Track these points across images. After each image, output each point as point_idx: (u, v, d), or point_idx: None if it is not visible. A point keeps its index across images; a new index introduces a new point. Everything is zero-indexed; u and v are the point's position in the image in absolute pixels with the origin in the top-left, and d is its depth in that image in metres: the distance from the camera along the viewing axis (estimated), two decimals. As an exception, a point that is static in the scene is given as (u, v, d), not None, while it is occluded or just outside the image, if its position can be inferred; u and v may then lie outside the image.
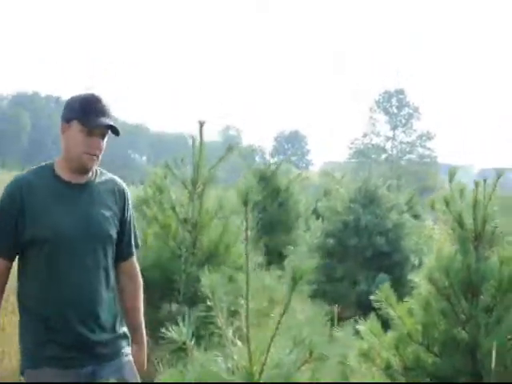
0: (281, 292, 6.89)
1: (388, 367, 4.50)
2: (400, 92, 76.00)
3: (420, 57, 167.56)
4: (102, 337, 3.37)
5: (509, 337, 4.29)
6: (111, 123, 3.32)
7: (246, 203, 2.63)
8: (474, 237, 4.51)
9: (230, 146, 7.17)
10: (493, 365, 3.94)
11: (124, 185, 3.61)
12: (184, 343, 2.65)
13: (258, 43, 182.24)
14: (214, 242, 6.64)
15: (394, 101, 76.15)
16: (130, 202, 3.57)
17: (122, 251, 3.59)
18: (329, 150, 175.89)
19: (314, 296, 10.63)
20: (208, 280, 2.57)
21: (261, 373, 2.52)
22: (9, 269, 3.36)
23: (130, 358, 3.54)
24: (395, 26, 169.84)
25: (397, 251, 10.12)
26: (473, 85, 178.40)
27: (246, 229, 2.57)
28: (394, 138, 75.29)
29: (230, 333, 2.62)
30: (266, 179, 14.07)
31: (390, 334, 4.52)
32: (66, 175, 3.34)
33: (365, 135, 75.03)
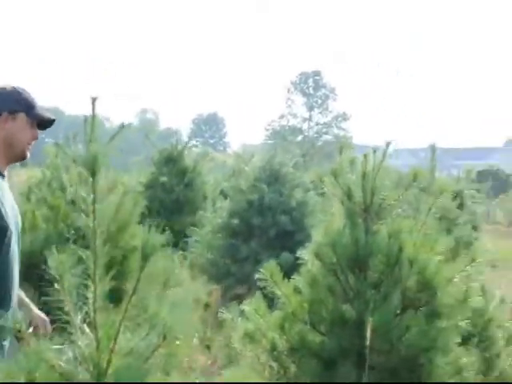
0: (176, 275, 6.67)
1: (273, 348, 4.29)
2: (316, 73, 76.49)
3: (338, 38, 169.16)
4: None
5: (396, 313, 4.13)
6: (54, 117, 3.54)
7: (93, 173, 2.40)
8: (363, 209, 4.33)
9: (123, 124, 6.87)
10: (367, 342, 3.77)
11: None
12: (19, 331, 2.39)
13: (174, 25, 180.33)
14: (107, 223, 6.35)
15: (310, 82, 76.60)
16: None
17: None
18: (247, 132, 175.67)
19: (219, 277, 10.47)
20: (54, 261, 2.36)
21: (109, 361, 2.27)
22: None
23: None
24: (315, 9, 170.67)
25: (301, 230, 9.98)
26: (389, 64, 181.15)
27: (94, 202, 2.36)
28: (310, 119, 75.78)
29: (78, 319, 2.36)
30: (173, 160, 13.78)
31: (276, 314, 4.31)
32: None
33: (281, 116, 75.33)
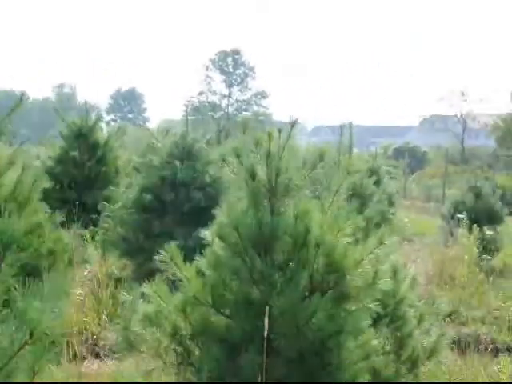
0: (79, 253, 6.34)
1: (175, 332, 4.12)
2: (236, 52, 76.42)
3: (261, 17, 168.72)
4: None
5: (302, 296, 4.01)
6: None
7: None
8: (268, 190, 4.18)
9: (22, 94, 6.53)
10: (266, 327, 3.64)
11: None
12: None
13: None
14: (4, 199, 6.10)
15: (229, 60, 76.50)
16: None
17: None
18: (166, 107, 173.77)
19: (131, 253, 10.21)
20: None
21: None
22: None
23: None
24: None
25: (215, 206, 9.77)
26: (311, 42, 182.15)
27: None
28: (229, 96, 75.71)
29: None
30: (83, 134, 13.41)
31: (177, 297, 4.13)
32: None
33: (201, 93, 75.06)
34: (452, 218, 13.75)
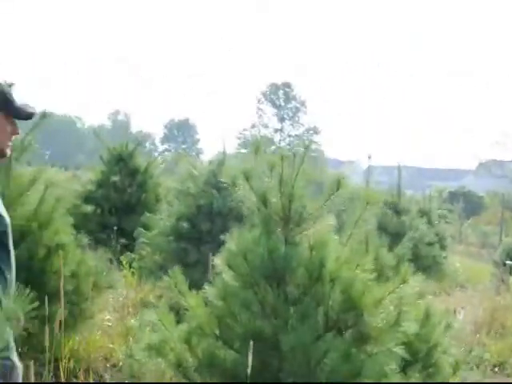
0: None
1: (179, 364, 3.88)
2: (286, 85, 76.72)
3: (310, 49, 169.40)
4: None
5: (316, 334, 3.73)
6: (35, 111, 3.25)
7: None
8: (281, 218, 3.93)
9: (44, 113, 6.47)
10: (249, 363, 3.35)
11: None
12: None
13: (144, 27, 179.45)
14: (26, 218, 5.97)
15: (280, 93, 76.75)
16: None
17: None
18: (219, 140, 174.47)
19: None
20: None
21: None
22: None
23: None
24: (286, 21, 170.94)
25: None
26: (364, 80, 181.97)
27: None
28: (281, 130, 75.88)
29: None
30: (123, 159, 13.36)
31: (182, 327, 3.89)
32: None
33: (253, 126, 75.38)
34: (504, 264, 13.25)
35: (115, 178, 13.15)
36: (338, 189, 3.97)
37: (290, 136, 76.13)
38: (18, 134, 3.26)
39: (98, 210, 13.07)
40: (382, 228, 15.56)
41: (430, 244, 16.72)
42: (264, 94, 77.46)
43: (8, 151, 3.24)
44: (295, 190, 3.91)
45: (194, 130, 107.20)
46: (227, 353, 3.85)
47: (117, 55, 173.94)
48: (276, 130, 76.17)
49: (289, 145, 75.81)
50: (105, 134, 13.75)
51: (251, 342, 3.58)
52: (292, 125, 76.71)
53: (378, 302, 3.76)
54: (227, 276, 3.94)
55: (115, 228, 11.12)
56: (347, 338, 3.80)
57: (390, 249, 5.26)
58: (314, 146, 73.38)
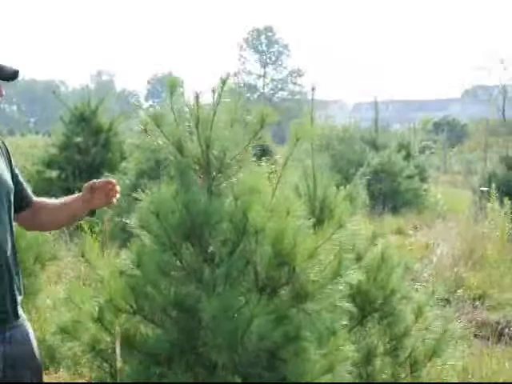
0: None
1: (94, 346, 3.37)
2: (269, 29, 75.32)
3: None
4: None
5: (242, 297, 3.20)
6: (17, 69, 2.94)
7: None
8: (200, 166, 3.38)
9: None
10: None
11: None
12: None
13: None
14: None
15: (262, 38, 75.46)
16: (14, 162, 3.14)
17: (26, 200, 3.16)
18: (203, 90, 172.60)
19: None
20: None
21: None
22: None
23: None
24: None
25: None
26: (346, 19, 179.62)
27: None
28: (265, 76, 74.81)
29: None
30: (86, 119, 12.75)
31: (94, 303, 3.36)
32: None
33: (236, 74, 74.31)
34: (482, 192, 12.72)
35: (78, 139, 12.57)
36: (262, 126, 3.40)
37: (273, 80, 75.07)
38: (2, 95, 2.96)
39: (63, 175, 12.52)
40: (360, 165, 15.12)
41: (410, 177, 16.33)
42: (246, 40, 76.26)
43: None
44: (213, 131, 3.35)
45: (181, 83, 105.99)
46: (146, 328, 3.33)
47: (96, 13, 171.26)
48: (259, 76, 75.09)
49: (272, 89, 74.80)
50: (89, 95, 13.02)
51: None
52: (275, 69, 75.61)
53: (312, 252, 3.23)
54: (142, 239, 3.40)
55: (77, 192, 10.56)
56: (281, 297, 3.28)
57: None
58: (297, 89, 72.51)
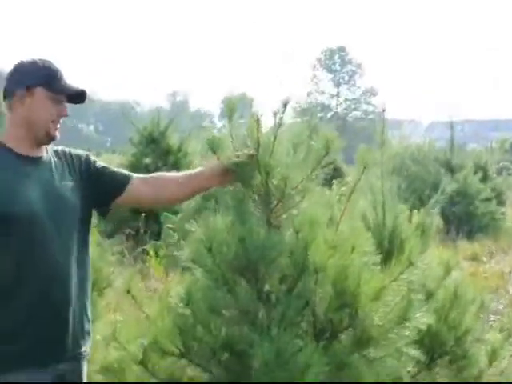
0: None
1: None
2: (341, 49, 75.00)
3: (362, 12, 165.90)
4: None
5: (299, 341, 2.90)
6: (83, 89, 3.03)
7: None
8: (259, 195, 3.11)
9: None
10: None
11: (71, 149, 3.20)
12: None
13: (198, 7, 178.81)
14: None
15: (336, 58, 75.23)
16: (91, 158, 3.22)
17: (123, 182, 3.19)
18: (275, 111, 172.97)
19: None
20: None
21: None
22: None
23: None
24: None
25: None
26: (421, 38, 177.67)
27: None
28: (338, 95, 74.49)
29: None
30: (155, 140, 12.64)
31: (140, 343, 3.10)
32: (20, 149, 2.96)
33: (309, 94, 74.23)
34: None
35: (147, 160, 12.46)
36: (327, 153, 3.10)
37: (346, 100, 74.65)
38: (66, 115, 3.03)
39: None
40: (435, 188, 14.56)
41: (487, 200, 15.66)
42: (319, 60, 76.16)
43: (55, 134, 3.00)
44: (274, 158, 3.08)
45: (251, 104, 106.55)
46: (193, 372, 3.06)
47: (168, 37, 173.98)
48: (332, 96, 74.78)
49: (346, 109, 74.36)
50: (159, 116, 12.97)
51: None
52: (349, 89, 75.23)
53: (378, 293, 2.92)
54: (194, 274, 3.14)
55: (143, 214, 10.41)
56: (341, 343, 2.97)
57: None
58: (370, 108, 71.87)
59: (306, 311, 3.00)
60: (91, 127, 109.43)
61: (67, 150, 3.16)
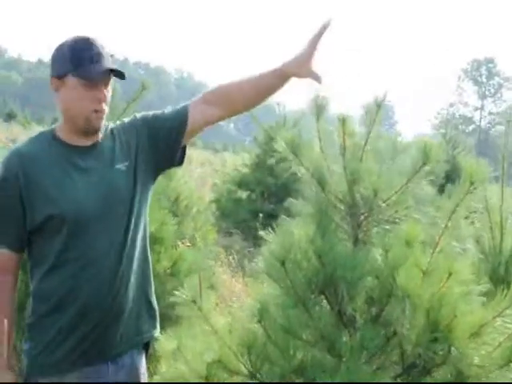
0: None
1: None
2: (490, 61, 72.41)
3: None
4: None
5: (379, 375, 2.52)
6: (112, 67, 2.71)
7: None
8: (346, 205, 2.75)
9: (143, 83, 5.50)
10: None
11: (123, 121, 2.95)
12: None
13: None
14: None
15: (483, 70, 72.78)
16: (139, 117, 2.93)
17: (182, 119, 2.89)
18: (416, 121, 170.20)
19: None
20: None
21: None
22: (19, 264, 2.82)
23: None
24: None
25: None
26: None
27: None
28: (482, 108, 72.07)
29: None
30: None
31: (204, 358, 2.81)
32: (71, 139, 2.76)
33: (451, 105, 72.27)
34: None
35: (271, 161, 12.29)
36: (424, 163, 2.70)
37: (491, 114, 72.09)
38: (104, 98, 2.72)
39: (252, 196, 12.29)
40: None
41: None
42: (465, 71, 74.04)
43: (97, 124, 2.74)
44: (364, 164, 2.72)
45: (391, 111, 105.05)
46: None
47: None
48: (476, 109, 72.41)
49: (490, 123, 71.82)
50: (285, 116, 12.83)
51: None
52: (494, 102, 72.64)
53: (478, 329, 2.49)
54: (267, 288, 2.83)
55: (260, 215, 10.24)
56: (432, 380, 2.57)
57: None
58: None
59: (391, 342, 2.62)
60: (231, 125, 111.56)
61: (119, 125, 2.93)
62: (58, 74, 2.72)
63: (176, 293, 2.75)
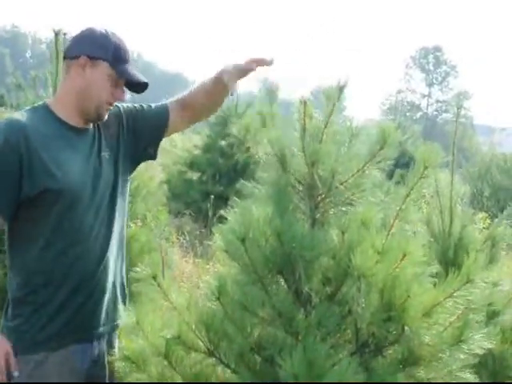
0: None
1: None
2: (437, 49, 73.42)
3: (459, 11, 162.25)
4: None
5: (333, 353, 2.59)
6: (146, 80, 2.92)
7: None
8: (305, 186, 2.81)
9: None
10: None
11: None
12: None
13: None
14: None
15: (430, 58, 73.79)
16: (123, 110, 3.05)
17: (165, 118, 3.10)
18: (364, 107, 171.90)
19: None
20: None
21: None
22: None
23: None
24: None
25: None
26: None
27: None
28: (429, 96, 73.13)
29: None
30: (231, 123, 12.46)
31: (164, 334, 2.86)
32: (68, 117, 2.84)
33: (399, 91, 73.10)
34: None
35: (222, 143, 12.30)
36: (382, 147, 2.78)
37: (438, 101, 73.17)
38: (123, 100, 2.95)
39: (203, 177, 12.30)
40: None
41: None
42: (413, 59, 74.94)
43: (104, 114, 2.88)
44: (323, 146, 2.77)
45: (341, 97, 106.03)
46: (220, 372, 2.80)
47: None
48: (423, 96, 73.42)
49: (437, 111, 72.90)
50: (237, 100, 12.78)
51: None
52: (441, 90, 73.75)
53: (429, 310, 2.58)
54: (226, 266, 2.88)
55: (211, 196, 10.27)
56: (384, 359, 2.66)
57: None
58: (462, 112, 70.26)
59: (346, 321, 2.70)
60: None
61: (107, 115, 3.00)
62: (93, 55, 2.81)
63: (137, 269, 2.77)
